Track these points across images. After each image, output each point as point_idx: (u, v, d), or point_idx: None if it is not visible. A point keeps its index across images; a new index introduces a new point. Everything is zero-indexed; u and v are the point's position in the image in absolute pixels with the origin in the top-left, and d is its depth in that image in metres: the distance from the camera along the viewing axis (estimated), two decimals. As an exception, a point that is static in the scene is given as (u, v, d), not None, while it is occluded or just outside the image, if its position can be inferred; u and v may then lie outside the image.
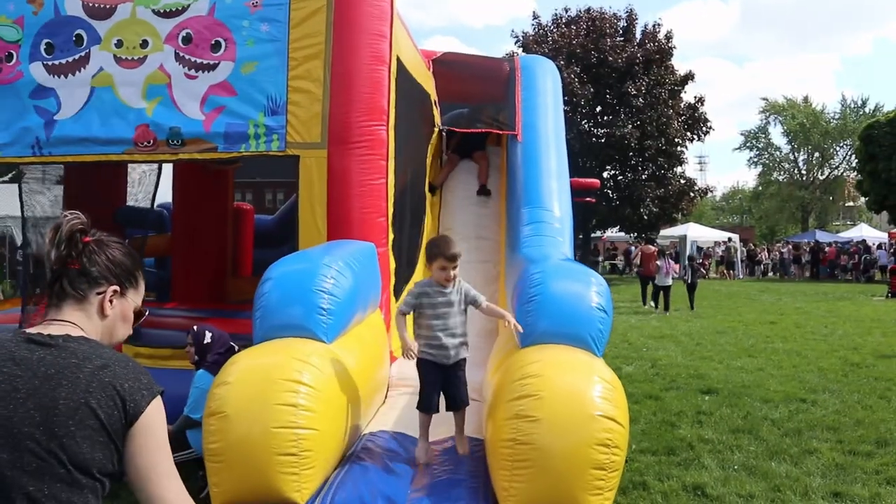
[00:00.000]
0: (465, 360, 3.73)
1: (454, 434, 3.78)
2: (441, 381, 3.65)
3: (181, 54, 5.39)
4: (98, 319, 1.71)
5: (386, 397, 4.79)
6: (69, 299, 1.69)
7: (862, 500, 4.65)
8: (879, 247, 31.51)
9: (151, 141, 5.38)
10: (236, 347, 4.61)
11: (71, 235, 1.69)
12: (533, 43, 29.48)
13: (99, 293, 1.71)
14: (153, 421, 1.61)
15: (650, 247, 19.52)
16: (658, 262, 17.19)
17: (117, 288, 1.73)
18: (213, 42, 5.37)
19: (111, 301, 1.72)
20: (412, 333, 3.71)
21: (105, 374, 1.56)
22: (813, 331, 12.96)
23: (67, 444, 1.49)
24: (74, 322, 1.67)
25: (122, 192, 8.37)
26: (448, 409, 3.72)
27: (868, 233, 38.81)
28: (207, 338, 4.69)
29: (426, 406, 3.66)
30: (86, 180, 7.63)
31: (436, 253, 3.60)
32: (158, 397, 1.64)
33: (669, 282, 16.95)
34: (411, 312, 3.67)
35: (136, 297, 1.80)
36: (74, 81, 5.48)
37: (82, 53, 5.49)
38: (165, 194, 8.92)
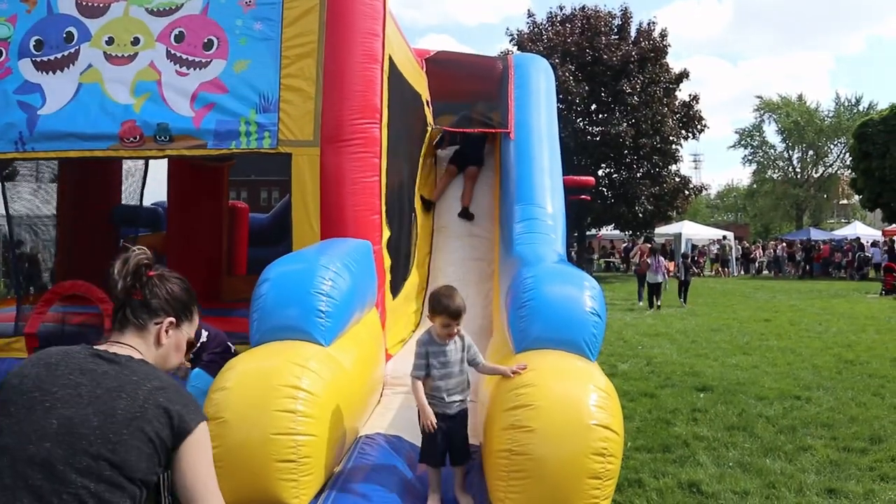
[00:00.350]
0: (467, 410, 3.50)
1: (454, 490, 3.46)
2: (446, 430, 3.34)
3: (173, 52, 5.36)
4: (154, 347, 1.91)
5: (381, 396, 4.77)
6: (130, 326, 1.90)
7: (856, 497, 4.65)
8: (874, 244, 31.60)
9: (138, 137, 5.35)
10: (233, 348, 4.59)
11: (137, 269, 1.92)
12: (528, 41, 29.50)
13: (157, 323, 1.91)
14: (199, 442, 1.78)
15: (648, 245, 19.64)
16: (649, 260, 17.31)
17: (173, 320, 1.94)
18: (205, 40, 5.35)
19: (167, 331, 1.92)
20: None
21: (161, 395, 1.74)
22: (807, 328, 13.00)
23: (119, 449, 1.66)
24: (134, 346, 1.87)
25: (117, 191, 8.34)
26: (450, 463, 3.41)
27: (862, 231, 38.96)
28: (203, 336, 4.66)
29: (432, 459, 3.35)
30: (80, 178, 7.60)
31: (439, 309, 3.35)
32: (205, 422, 1.81)
33: (660, 279, 17.10)
34: (425, 373, 3.38)
35: (189, 329, 2.03)
36: (62, 77, 5.44)
37: (72, 50, 5.46)
38: (160, 193, 8.89)
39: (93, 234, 7.57)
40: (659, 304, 16.96)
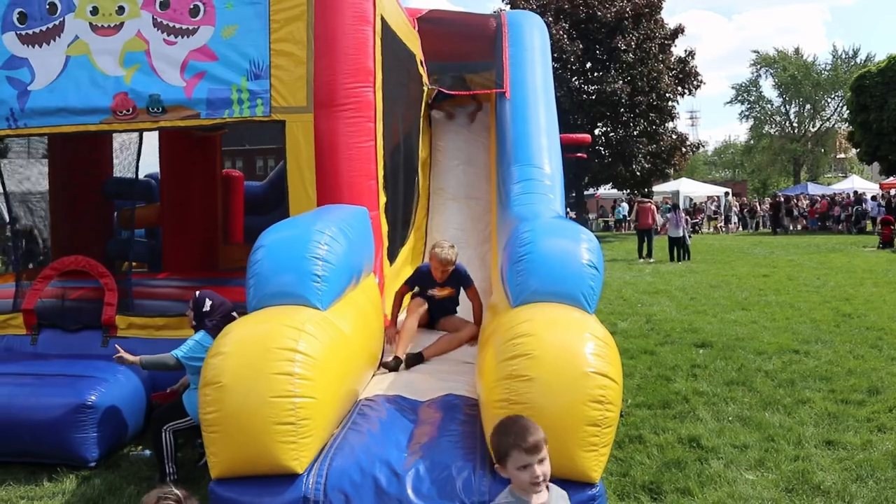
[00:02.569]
0: None
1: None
2: None
3: (159, 20, 5.27)
4: None
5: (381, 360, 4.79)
6: None
7: (854, 448, 4.70)
8: (874, 198, 31.52)
9: (131, 109, 5.29)
10: (236, 315, 4.59)
11: None
12: (520, -1, 29.02)
13: None
14: None
15: (646, 201, 20.00)
16: (668, 215, 18.13)
17: None
18: (191, 6, 5.25)
19: None
20: None
21: None
22: (805, 283, 13.03)
23: None
24: None
25: (108, 164, 8.26)
26: None
27: (860, 184, 38.86)
28: (207, 305, 4.66)
29: None
30: (70, 153, 7.53)
31: (509, 444, 2.32)
32: None
33: (681, 233, 18.02)
34: None
35: None
36: (49, 51, 5.36)
37: (56, 22, 5.37)
38: (152, 164, 8.81)
39: (86, 209, 7.53)
40: (688, 257, 17.93)
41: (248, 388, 3.00)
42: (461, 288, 5.37)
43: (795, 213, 33.69)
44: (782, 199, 32.87)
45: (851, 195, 32.08)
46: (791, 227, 32.78)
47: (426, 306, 5.23)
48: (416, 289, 5.37)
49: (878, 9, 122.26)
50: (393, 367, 4.66)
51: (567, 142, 8.91)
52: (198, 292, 4.82)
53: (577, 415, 2.88)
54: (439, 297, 5.30)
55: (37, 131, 5.55)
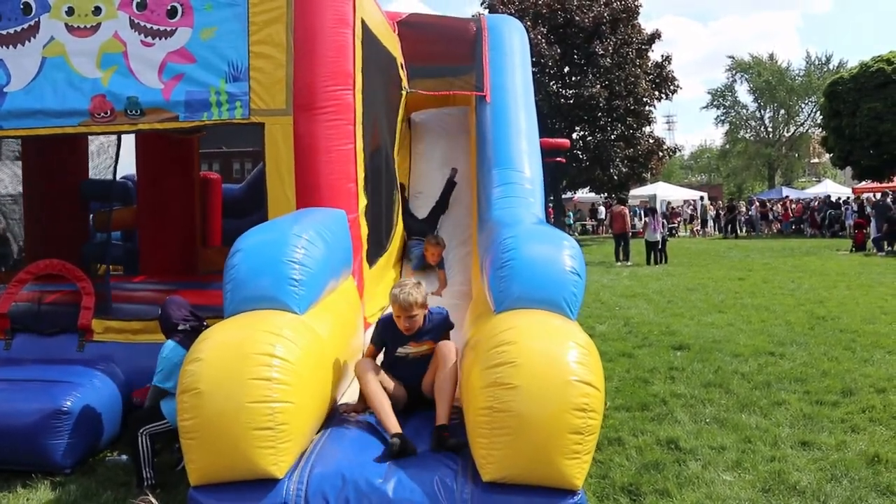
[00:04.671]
0: None
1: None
2: None
3: (136, 21, 5.21)
4: None
5: (361, 364, 4.77)
6: None
7: (829, 448, 4.77)
8: (845, 202, 32.00)
9: (109, 112, 5.23)
10: (206, 322, 4.56)
11: None
12: (499, 3, 29.12)
13: None
14: None
15: (620, 206, 20.16)
16: (646, 220, 18.37)
17: None
18: (168, 7, 5.20)
19: None
20: None
21: None
22: (780, 286, 13.21)
23: None
24: None
25: (83, 166, 8.15)
26: None
27: (833, 189, 39.52)
28: (174, 316, 4.65)
29: None
30: (44, 155, 7.42)
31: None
32: None
33: (658, 237, 18.28)
34: None
35: None
36: (24, 52, 5.28)
37: (31, 22, 5.29)
38: (129, 166, 8.72)
39: (61, 211, 7.42)
40: (665, 261, 18.25)
41: (226, 393, 2.98)
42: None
43: (770, 216, 34.15)
44: (740, 204, 33.51)
45: (823, 198, 32.60)
46: (766, 231, 33.24)
47: (377, 362, 3.92)
48: (384, 349, 4.04)
49: (849, 17, 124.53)
50: (398, 450, 3.30)
51: (546, 146, 8.96)
52: (167, 299, 4.78)
53: (560, 423, 2.90)
54: (414, 355, 3.91)
55: (13, 133, 5.47)
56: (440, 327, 3.98)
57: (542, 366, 2.99)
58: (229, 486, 3.02)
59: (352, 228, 4.95)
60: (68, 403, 4.71)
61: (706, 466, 4.49)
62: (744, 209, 36.14)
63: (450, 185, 7.05)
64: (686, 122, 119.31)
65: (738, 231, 32.45)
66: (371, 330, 4.32)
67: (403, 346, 3.93)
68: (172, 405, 4.37)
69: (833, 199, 33.29)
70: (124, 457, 4.87)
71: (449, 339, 3.96)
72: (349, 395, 4.15)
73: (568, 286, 3.54)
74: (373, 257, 5.65)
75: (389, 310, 3.96)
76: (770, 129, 60.06)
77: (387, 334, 3.98)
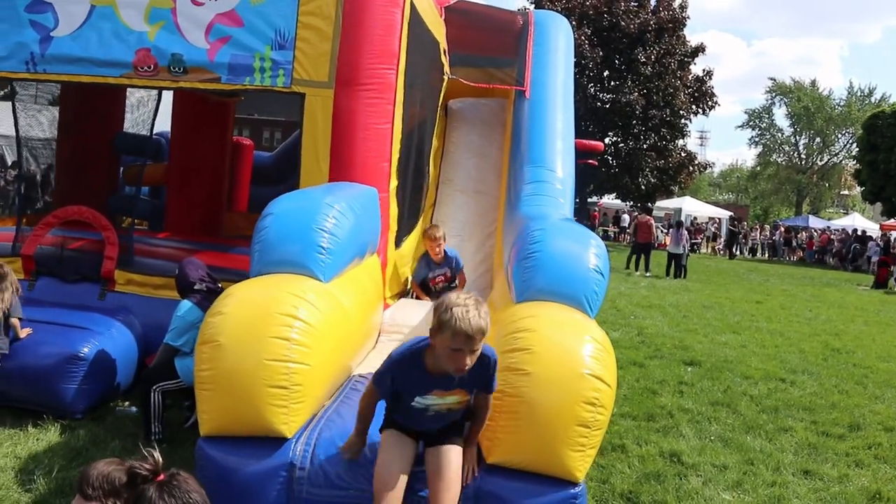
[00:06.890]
0: None
1: None
2: None
3: (189, -21, 5.25)
4: None
5: (377, 342, 4.81)
6: None
7: (830, 480, 4.74)
8: (872, 238, 31.59)
9: (152, 66, 5.28)
10: (221, 285, 4.62)
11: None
12: (546, 0, 28.96)
13: None
14: None
15: (647, 216, 20.08)
16: (672, 231, 18.48)
17: None
18: (223, -31, 5.23)
19: None
20: None
21: None
22: (797, 313, 13.08)
23: None
24: None
25: (119, 118, 8.24)
26: None
27: (861, 223, 38.97)
28: (192, 276, 4.70)
29: None
30: (83, 103, 7.50)
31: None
32: None
33: (681, 250, 18.25)
34: None
35: None
36: None
37: None
38: (163, 124, 8.78)
39: (93, 161, 7.51)
40: (685, 275, 18.21)
41: (245, 348, 3.02)
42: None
43: (794, 243, 33.82)
44: (741, 228, 33.37)
45: (851, 232, 32.20)
46: (788, 257, 32.93)
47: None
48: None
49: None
50: None
51: (580, 147, 8.92)
52: (184, 259, 4.83)
53: (569, 414, 2.91)
54: (438, 409, 2.89)
55: (55, 78, 5.53)
56: (480, 374, 2.81)
57: (557, 356, 3.00)
58: (238, 441, 3.06)
59: (381, 207, 4.98)
60: (85, 350, 4.79)
61: (707, 483, 4.48)
62: (767, 233, 35.80)
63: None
64: (719, 139, 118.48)
65: (740, 252, 32.14)
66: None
67: (424, 396, 2.84)
68: (185, 363, 4.43)
69: (859, 232, 32.87)
70: (134, 408, 4.95)
71: (489, 393, 2.92)
72: (365, 367, 4.18)
73: (590, 284, 3.55)
74: (399, 239, 5.67)
75: (407, 341, 2.99)
76: (804, 156, 59.33)
77: (403, 378, 2.85)
